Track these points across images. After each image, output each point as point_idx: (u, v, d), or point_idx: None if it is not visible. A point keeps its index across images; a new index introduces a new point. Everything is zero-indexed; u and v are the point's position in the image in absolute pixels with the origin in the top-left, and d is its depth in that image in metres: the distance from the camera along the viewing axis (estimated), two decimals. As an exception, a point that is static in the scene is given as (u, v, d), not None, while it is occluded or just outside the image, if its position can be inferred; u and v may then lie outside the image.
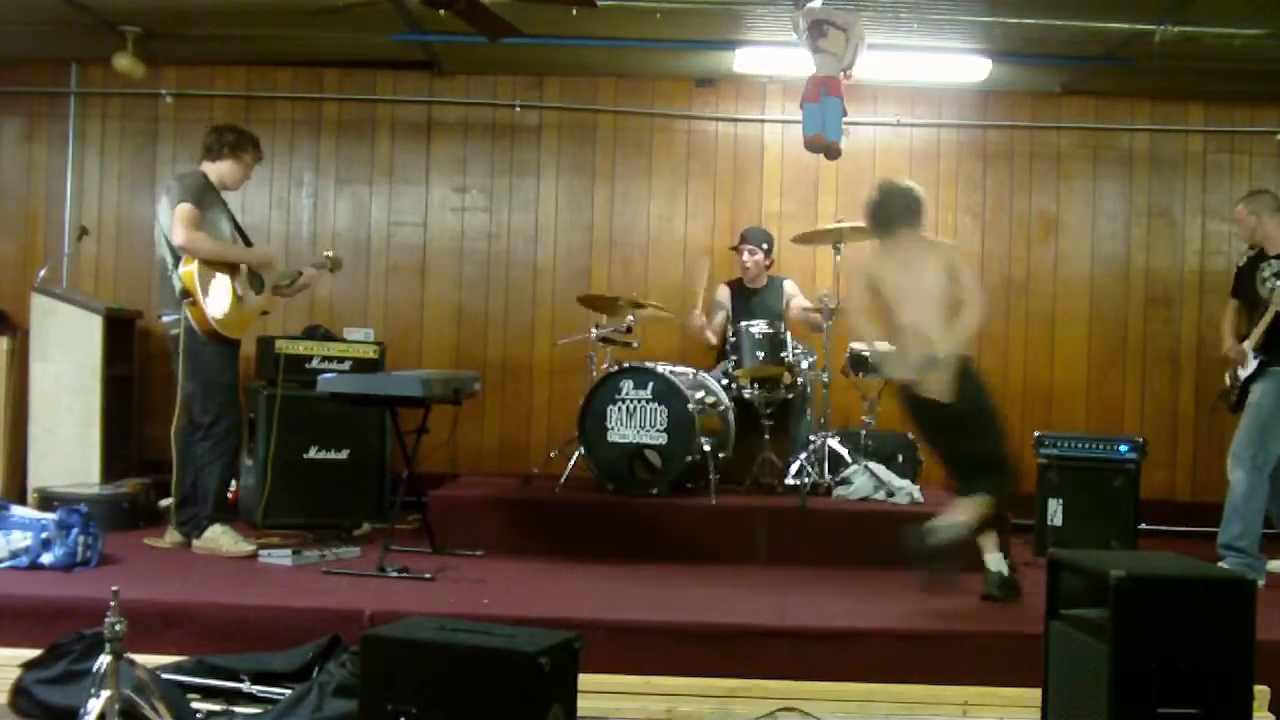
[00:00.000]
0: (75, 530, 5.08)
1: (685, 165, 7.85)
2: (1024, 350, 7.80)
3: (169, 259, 5.60)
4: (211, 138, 5.85)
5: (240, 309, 5.69)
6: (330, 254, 6.36)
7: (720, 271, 7.54)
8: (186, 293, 5.47)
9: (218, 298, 5.56)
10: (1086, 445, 6.32)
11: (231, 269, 5.67)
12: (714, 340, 7.08)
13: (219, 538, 5.59)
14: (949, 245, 5.52)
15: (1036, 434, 6.46)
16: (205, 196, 5.66)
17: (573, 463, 6.52)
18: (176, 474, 5.73)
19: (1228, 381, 6.02)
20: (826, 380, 6.63)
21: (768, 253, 7.10)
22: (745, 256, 7.06)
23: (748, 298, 7.11)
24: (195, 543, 5.63)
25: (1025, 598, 4.93)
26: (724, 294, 7.21)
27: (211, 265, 5.56)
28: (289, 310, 7.25)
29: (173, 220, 5.51)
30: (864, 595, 5.11)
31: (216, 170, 5.79)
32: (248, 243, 5.96)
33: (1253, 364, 5.78)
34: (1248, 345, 5.80)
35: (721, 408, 6.54)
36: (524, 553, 5.80)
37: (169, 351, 5.76)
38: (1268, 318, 5.67)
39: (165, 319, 5.73)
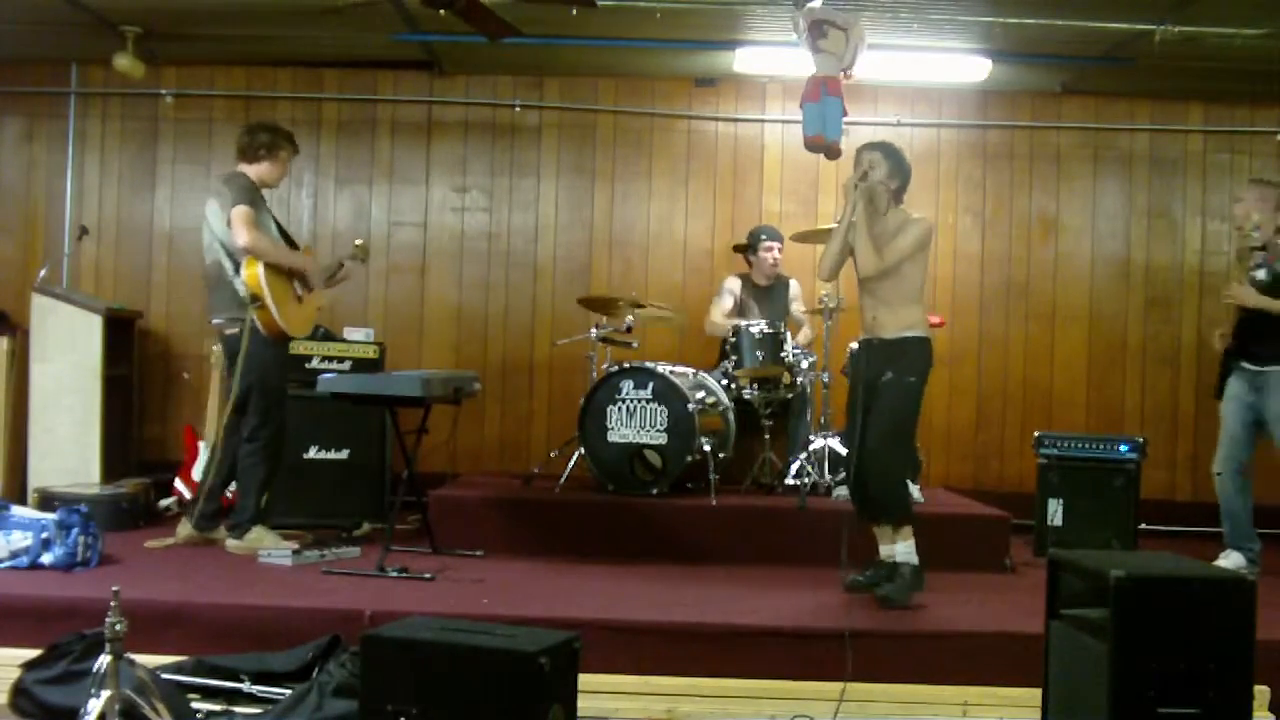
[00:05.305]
0: (75, 530, 5.07)
1: (685, 165, 7.85)
2: (1024, 350, 7.80)
3: (226, 263, 5.56)
4: (245, 139, 5.75)
5: (301, 308, 5.71)
6: (359, 242, 6.23)
7: (721, 268, 7.54)
8: (255, 296, 5.44)
9: (282, 299, 5.55)
10: (1086, 445, 6.32)
11: (288, 271, 5.66)
12: (728, 326, 6.81)
13: (263, 538, 5.60)
14: None
15: (1036, 434, 6.46)
16: (254, 197, 5.61)
17: (573, 463, 6.53)
18: (213, 468, 5.74)
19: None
20: (827, 380, 6.63)
21: (781, 251, 7.10)
22: (771, 252, 7.03)
23: (757, 294, 7.11)
24: (233, 543, 5.61)
25: (1025, 597, 4.92)
26: (735, 284, 7.17)
27: (271, 267, 5.52)
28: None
29: (230, 223, 5.46)
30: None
31: (255, 171, 5.70)
32: (291, 242, 5.91)
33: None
34: (1220, 340, 5.76)
35: (721, 408, 6.54)
36: (524, 553, 5.80)
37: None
38: (1236, 312, 5.65)
39: (216, 321, 5.71)
